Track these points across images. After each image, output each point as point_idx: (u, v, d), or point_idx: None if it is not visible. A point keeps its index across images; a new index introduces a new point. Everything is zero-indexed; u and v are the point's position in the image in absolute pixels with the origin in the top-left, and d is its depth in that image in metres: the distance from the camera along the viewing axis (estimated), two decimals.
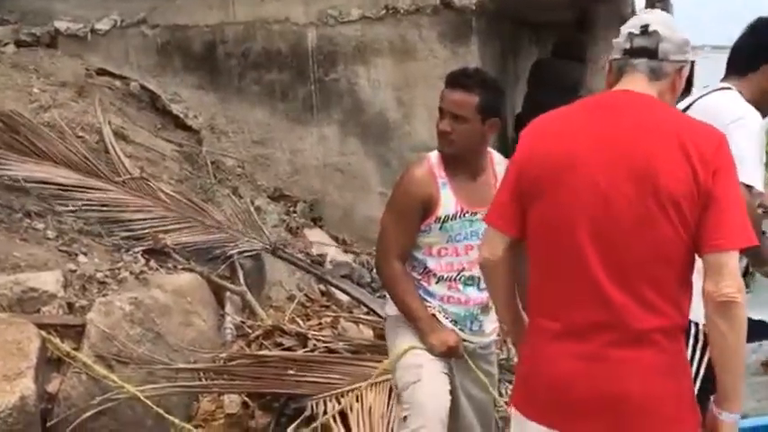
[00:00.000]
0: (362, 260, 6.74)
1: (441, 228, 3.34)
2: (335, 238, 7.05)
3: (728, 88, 3.14)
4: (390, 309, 3.53)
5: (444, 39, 6.89)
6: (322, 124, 7.16)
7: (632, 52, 2.34)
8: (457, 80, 3.34)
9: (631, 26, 2.38)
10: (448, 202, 3.33)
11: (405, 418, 3.32)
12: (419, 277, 3.41)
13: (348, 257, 6.74)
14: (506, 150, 3.34)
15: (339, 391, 4.35)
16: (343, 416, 4.25)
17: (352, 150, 7.15)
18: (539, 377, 2.38)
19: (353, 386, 4.37)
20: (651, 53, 2.30)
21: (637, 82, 2.32)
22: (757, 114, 3.01)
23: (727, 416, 2.27)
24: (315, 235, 6.84)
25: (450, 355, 3.39)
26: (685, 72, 2.40)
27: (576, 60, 8.22)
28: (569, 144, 2.29)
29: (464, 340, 3.44)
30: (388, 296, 3.56)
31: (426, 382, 3.32)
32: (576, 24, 8.63)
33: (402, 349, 3.41)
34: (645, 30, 2.32)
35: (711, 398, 2.35)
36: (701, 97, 3.17)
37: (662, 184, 2.15)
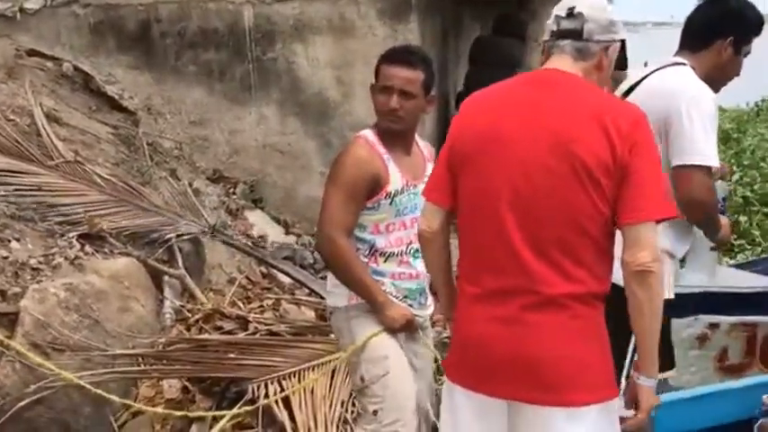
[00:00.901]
0: (304, 241, 6.69)
1: (391, 203, 3.33)
2: (277, 220, 6.99)
3: (683, 64, 3.17)
4: (336, 299, 3.46)
5: (383, 16, 6.85)
6: (261, 104, 7.08)
7: (559, 34, 2.44)
8: (402, 57, 3.34)
9: (559, 8, 2.47)
10: (395, 176, 3.33)
11: (375, 411, 3.31)
12: (366, 259, 3.38)
13: (290, 239, 6.69)
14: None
15: (281, 373, 4.31)
16: (286, 398, 4.21)
17: (291, 130, 7.08)
18: (461, 340, 2.52)
19: (294, 368, 4.33)
20: (576, 34, 2.40)
21: (563, 62, 2.42)
22: (711, 92, 3.06)
23: (645, 380, 2.41)
24: (255, 216, 6.77)
25: (407, 329, 3.39)
26: (613, 51, 2.47)
27: (516, 38, 8.23)
28: (496, 119, 2.40)
29: (414, 315, 3.44)
30: (331, 286, 3.49)
31: (395, 373, 3.32)
32: (517, 2, 8.64)
33: (362, 341, 3.38)
34: (571, 12, 2.41)
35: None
36: (654, 71, 3.20)
37: (580, 158, 2.25)
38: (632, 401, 2.50)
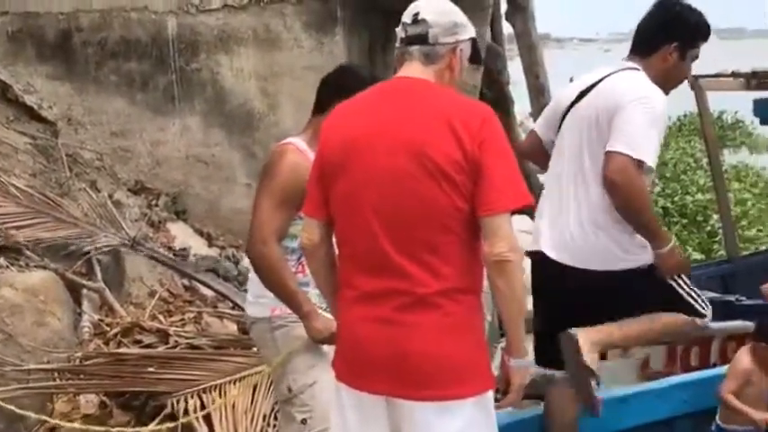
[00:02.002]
0: (228, 254, 6.62)
1: None
2: (200, 232, 6.90)
3: (636, 69, 3.23)
4: (258, 310, 3.41)
5: (309, 28, 6.84)
6: (184, 115, 6.99)
7: (407, 41, 2.51)
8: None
9: (406, 16, 2.53)
10: None
11: (303, 420, 3.28)
12: (293, 269, 3.34)
13: (213, 251, 6.60)
14: None
15: (200, 387, 4.25)
16: (208, 412, 4.15)
17: (216, 141, 7.00)
18: (342, 341, 2.61)
19: (215, 382, 4.27)
20: (422, 39, 2.47)
21: (413, 68, 2.50)
22: (663, 96, 3.13)
23: (515, 361, 2.51)
24: (178, 229, 6.68)
25: (331, 341, 3.36)
26: (461, 51, 2.54)
27: None
28: (355, 129, 2.49)
29: None
30: (253, 296, 3.44)
31: (323, 383, 3.26)
32: None
33: (284, 355, 3.34)
34: (415, 19, 2.49)
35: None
36: (609, 75, 3.23)
37: (433, 160, 2.35)
38: (505, 382, 2.59)
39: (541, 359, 3.29)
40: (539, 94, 8.37)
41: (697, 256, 8.91)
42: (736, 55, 13.06)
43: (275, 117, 6.90)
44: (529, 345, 2.69)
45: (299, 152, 3.26)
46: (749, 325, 4.48)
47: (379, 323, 2.45)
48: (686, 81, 6.25)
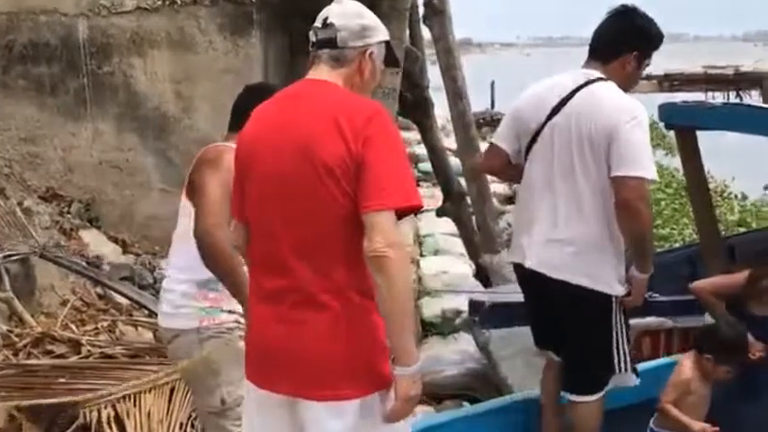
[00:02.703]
0: (144, 261, 6.47)
1: None
2: (114, 239, 6.73)
3: (604, 79, 3.30)
4: (185, 321, 3.32)
5: (224, 31, 6.73)
6: (97, 119, 6.82)
7: (317, 44, 2.56)
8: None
9: (317, 20, 2.60)
10: None
11: None
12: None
13: (128, 258, 6.45)
14: None
15: (114, 396, 4.14)
16: (121, 422, 4.05)
17: (129, 146, 6.84)
18: (248, 340, 2.66)
19: (130, 391, 4.16)
20: (331, 43, 2.53)
21: (322, 70, 2.55)
22: (643, 107, 3.24)
23: (399, 370, 2.40)
24: (91, 236, 6.51)
25: None
26: (372, 54, 2.58)
27: None
28: (257, 132, 2.58)
29: None
30: (172, 308, 3.35)
31: None
32: None
33: (223, 365, 3.28)
34: (325, 23, 2.55)
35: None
36: (581, 88, 3.28)
37: (320, 159, 2.38)
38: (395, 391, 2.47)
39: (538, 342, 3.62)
40: (457, 98, 8.40)
41: None
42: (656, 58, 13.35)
43: (190, 121, 6.78)
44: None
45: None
46: (663, 321, 4.57)
47: (276, 322, 2.49)
48: None
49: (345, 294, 2.42)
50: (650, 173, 3.16)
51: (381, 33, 2.61)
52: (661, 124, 5.50)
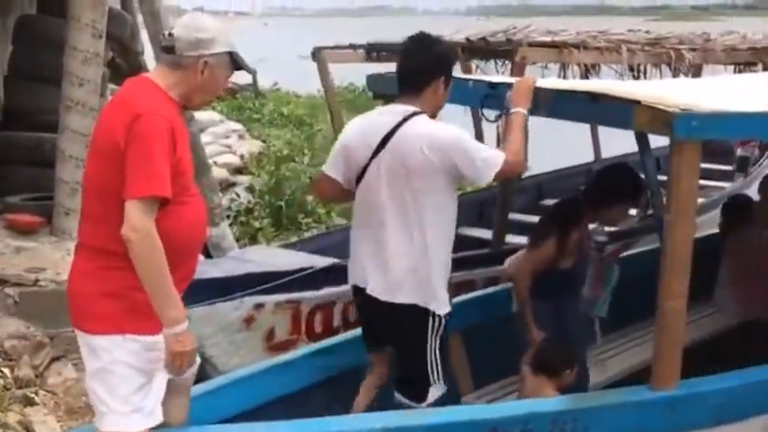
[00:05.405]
0: None
1: None
2: None
3: (420, 112, 3.52)
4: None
5: None
6: None
7: (162, 49, 3.02)
8: None
9: (167, 28, 3.19)
10: None
11: None
12: None
13: None
14: None
15: None
16: None
17: None
18: None
19: None
20: (171, 50, 2.98)
21: (161, 70, 3.04)
22: (456, 130, 3.53)
23: (165, 331, 2.84)
24: None
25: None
26: (207, 63, 2.97)
27: (62, 17, 7.70)
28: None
29: None
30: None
31: None
32: None
33: None
34: (170, 33, 3.01)
35: None
36: (402, 124, 3.49)
37: (100, 147, 2.90)
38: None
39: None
40: None
41: (341, 221, 9.13)
42: (380, 30, 13.60)
43: None
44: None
45: None
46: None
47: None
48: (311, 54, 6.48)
49: (102, 249, 2.90)
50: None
51: (219, 46, 2.99)
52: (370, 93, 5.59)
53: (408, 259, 3.48)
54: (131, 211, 2.77)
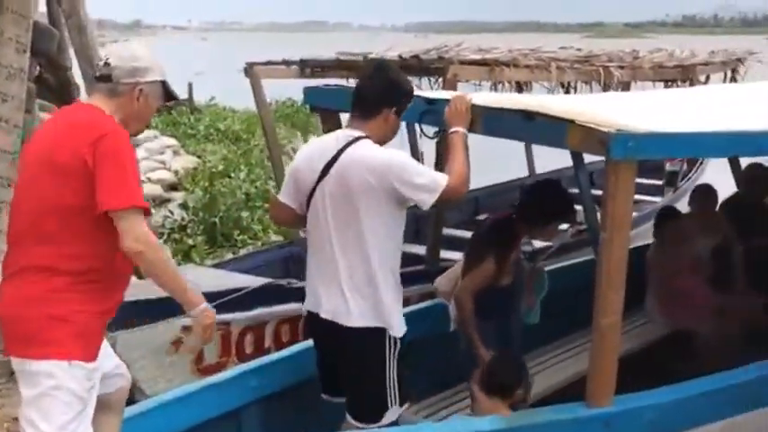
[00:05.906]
0: None
1: None
2: None
3: (365, 137, 3.53)
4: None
5: None
6: None
7: (98, 78, 3.12)
8: None
9: (102, 59, 3.16)
10: None
11: None
12: None
13: None
14: None
15: None
16: None
17: None
18: None
19: None
20: (107, 78, 3.08)
21: (98, 97, 3.12)
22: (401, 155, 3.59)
23: (192, 312, 3.07)
24: None
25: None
26: (142, 90, 3.09)
27: None
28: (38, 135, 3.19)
29: None
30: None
31: None
32: None
33: None
34: (106, 62, 3.11)
35: None
36: (344, 149, 3.50)
37: (59, 167, 2.91)
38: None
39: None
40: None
41: (278, 238, 9.04)
42: (315, 46, 13.60)
43: None
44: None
45: None
46: (300, 307, 4.51)
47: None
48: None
49: (47, 273, 2.92)
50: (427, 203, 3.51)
51: (153, 74, 3.13)
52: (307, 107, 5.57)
53: (358, 282, 3.47)
54: (126, 223, 2.86)
